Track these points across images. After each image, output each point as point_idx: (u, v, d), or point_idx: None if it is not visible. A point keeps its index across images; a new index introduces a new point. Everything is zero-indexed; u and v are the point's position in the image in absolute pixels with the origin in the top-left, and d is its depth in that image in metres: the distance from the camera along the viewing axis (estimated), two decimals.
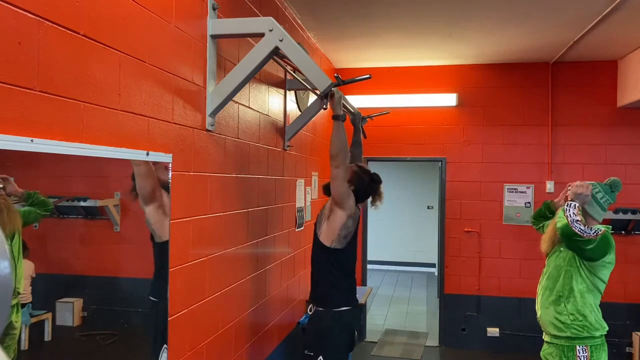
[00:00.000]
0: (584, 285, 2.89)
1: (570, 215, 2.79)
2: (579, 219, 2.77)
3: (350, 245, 3.09)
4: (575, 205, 2.84)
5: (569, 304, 2.90)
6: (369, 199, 3.24)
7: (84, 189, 1.73)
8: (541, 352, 3.10)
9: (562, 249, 2.97)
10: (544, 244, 3.09)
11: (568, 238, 2.79)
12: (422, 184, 10.07)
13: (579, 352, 2.87)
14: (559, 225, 2.82)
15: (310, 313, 3.14)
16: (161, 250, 2.10)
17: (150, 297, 2.12)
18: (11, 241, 1.37)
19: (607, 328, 2.92)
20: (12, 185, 1.41)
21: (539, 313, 3.07)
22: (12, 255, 1.35)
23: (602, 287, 2.93)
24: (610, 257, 2.86)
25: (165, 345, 2.11)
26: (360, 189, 3.10)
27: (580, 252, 2.84)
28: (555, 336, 2.95)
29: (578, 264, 2.90)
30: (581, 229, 2.73)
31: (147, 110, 1.98)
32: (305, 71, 2.53)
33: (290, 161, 4.02)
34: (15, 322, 1.40)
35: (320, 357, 3.00)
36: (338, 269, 3.04)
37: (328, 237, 3.00)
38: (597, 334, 2.89)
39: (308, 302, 3.23)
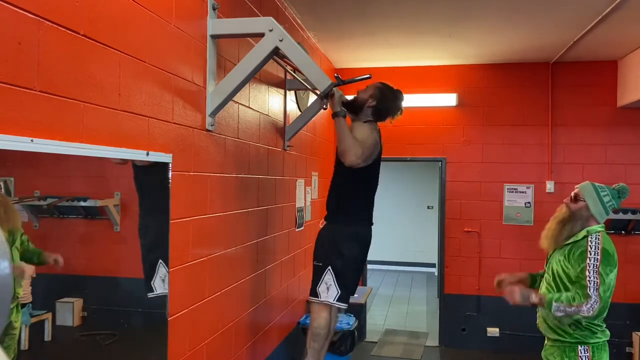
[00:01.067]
0: None
1: (557, 315, 2.70)
2: (562, 311, 2.68)
3: (376, 164, 3.04)
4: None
5: None
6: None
7: (84, 189, 1.73)
8: (542, 352, 3.08)
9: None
10: (545, 241, 3.05)
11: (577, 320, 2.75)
12: (422, 184, 10.06)
13: (581, 352, 2.85)
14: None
15: (321, 226, 3.09)
16: (139, 171, 2.00)
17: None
18: (12, 244, 1.37)
19: (609, 335, 2.87)
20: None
21: (539, 320, 3.05)
22: (11, 256, 1.35)
23: None
24: (614, 271, 2.78)
25: (160, 260, 2.10)
26: (383, 106, 3.06)
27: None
28: (556, 340, 2.93)
29: None
30: (575, 310, 2.65)
31: (147, 110, 1.98)
32: (306, 71, 2.53)
33: (290, 161, 4.02)
34: (15, 322, 1.40)
35: (329, 267, 2.85)
36: (361, 183, 3.02)
37: None
38: (599, 339, 2.85)
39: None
